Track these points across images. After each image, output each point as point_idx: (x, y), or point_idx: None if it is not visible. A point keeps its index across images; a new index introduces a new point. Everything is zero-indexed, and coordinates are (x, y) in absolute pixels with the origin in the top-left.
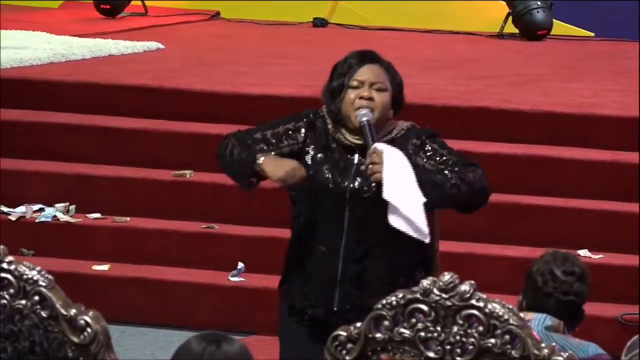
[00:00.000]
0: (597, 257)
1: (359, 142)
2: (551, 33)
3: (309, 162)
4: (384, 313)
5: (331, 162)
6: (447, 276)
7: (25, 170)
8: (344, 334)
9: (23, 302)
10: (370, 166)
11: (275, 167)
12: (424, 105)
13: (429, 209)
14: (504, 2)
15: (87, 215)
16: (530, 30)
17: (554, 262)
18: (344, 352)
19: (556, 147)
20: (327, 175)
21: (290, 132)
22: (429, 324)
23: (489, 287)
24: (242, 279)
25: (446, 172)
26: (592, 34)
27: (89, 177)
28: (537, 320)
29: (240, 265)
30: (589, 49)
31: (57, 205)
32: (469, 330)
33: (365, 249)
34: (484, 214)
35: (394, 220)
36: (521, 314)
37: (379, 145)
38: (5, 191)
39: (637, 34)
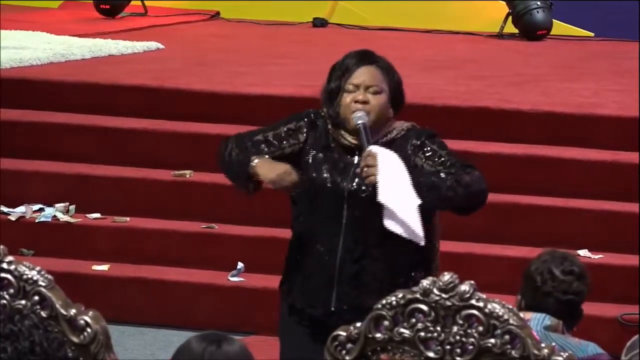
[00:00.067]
0: (597, 257)
1: (358, 142)
2: (551, 33)
3: (310, 162)
4: (384, 313)
5: (331, 162)
6: (447, 276)
7: (25, 170)
8: (344, 334)
9: (23, 302)
10: (365, 169)
11: (267, 170)
12: (424, 105)
13: (426, 211)
14: (504, 2)
15: (87, 215)
16: (530, 30)
17: (553, 262)
18: (344, 352)
19: (556, 147)
20: (325, 175)
21: (291, 132)
22: (428, 324)
23: (489, 287)
24: (242, 279)
25: (442, 174)
26: (592, 34)
27: (89, 177)
28: (536, 320)
29: (240, 265)
30: (589, 49)
31: (57, 205)
32: (469, 330)
33: (364, 249)
34: (484, 214)
35: (389, 223)
36: (520, 314)
37: (374, 148)
38: (5, 191)
39: (637, 34)
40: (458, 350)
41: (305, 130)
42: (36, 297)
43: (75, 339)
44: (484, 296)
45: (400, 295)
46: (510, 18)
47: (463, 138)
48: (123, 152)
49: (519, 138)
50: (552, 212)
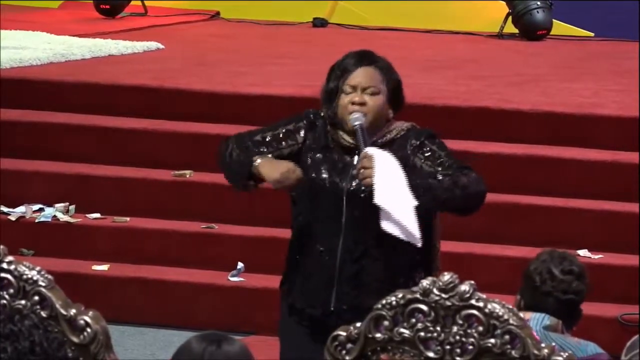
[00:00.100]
0: (596, 257)
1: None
2: (551, 33)
3: (309, 162)
4: (384, 313)
5: (330, 162)
6: (446, 276)
7: (25, 170)
8: (344, 334)
9: (23, 302)
10: (361, 171)
11: (271, 169)
12: (424, 105)
13: (426, 212)
14: (504, 2)
15: (87, 215)
16: (530, 30)
17: (552, 261)
18: (344, 352)
19: (556, 147)
20: (324, 175)
21: (290, 133)
22: (428, 324)
23: (489, 287)
24: (242, 279)
25: (440, 176)
26: (592, 34)
27: (89, 177)
28: (536, 320)
29: (240, 265)
30: (589, 49)
31: (57, 205)
32: (469, 330)
33: (364, 249)
34: (484, 214)
35: (386, 225)
36: (520, 314)
37: (370, 150)
38: (5, 191)
39: (637, 34)
40: (458, 350)
41: (303, 130)
42: (36, 297)
43: (75, 339)
44: (484, 296)
45: (400, 295)
46: (510, 18)
47: (463, 138)
48: (123, 152)
49: (519, 138)
50: (552, 212)
